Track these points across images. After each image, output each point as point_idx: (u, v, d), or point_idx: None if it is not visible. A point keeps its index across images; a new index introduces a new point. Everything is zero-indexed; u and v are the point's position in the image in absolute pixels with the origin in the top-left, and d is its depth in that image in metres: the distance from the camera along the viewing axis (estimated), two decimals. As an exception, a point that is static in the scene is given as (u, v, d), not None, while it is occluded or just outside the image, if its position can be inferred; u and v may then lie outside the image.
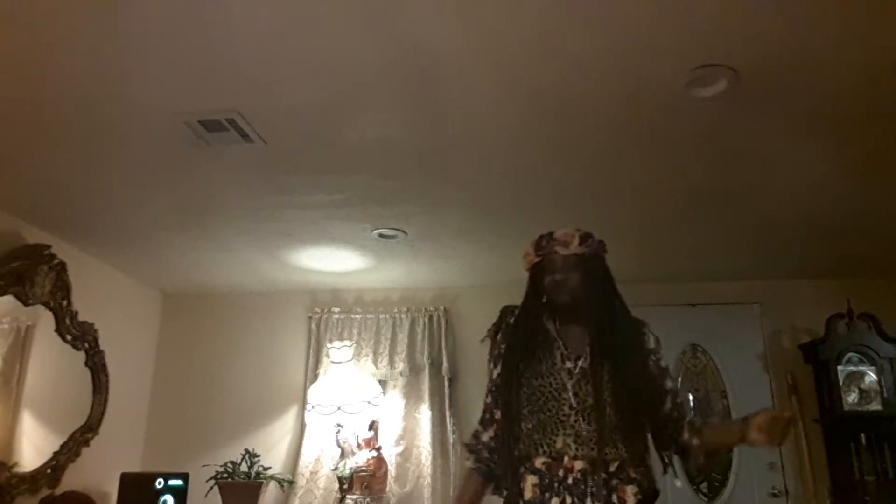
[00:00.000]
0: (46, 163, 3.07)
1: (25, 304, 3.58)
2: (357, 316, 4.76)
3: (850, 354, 4.15)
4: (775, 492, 4.21)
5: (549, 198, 3.40)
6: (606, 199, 3.42)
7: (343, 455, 4.22)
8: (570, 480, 1.85)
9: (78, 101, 2.59)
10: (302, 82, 2.47)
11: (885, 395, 4.07)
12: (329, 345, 4.54)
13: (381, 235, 3.88)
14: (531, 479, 1.91)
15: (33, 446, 3.69)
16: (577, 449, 1.87)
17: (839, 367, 4.13)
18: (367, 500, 4.02)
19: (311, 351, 4.72)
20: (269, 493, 4.35)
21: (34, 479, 3.63)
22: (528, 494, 1.89)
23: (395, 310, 4.73)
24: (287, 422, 4.66)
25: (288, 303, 4.87)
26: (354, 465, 4.11)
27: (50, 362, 3.81)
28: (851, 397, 4.10)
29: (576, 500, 1.83)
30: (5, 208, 3.54)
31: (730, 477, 4.33)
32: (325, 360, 4.61)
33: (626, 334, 2.01)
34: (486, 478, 2.05)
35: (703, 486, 4.34)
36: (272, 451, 4.54)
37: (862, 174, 3.16)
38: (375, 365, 4.63)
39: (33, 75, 2.43)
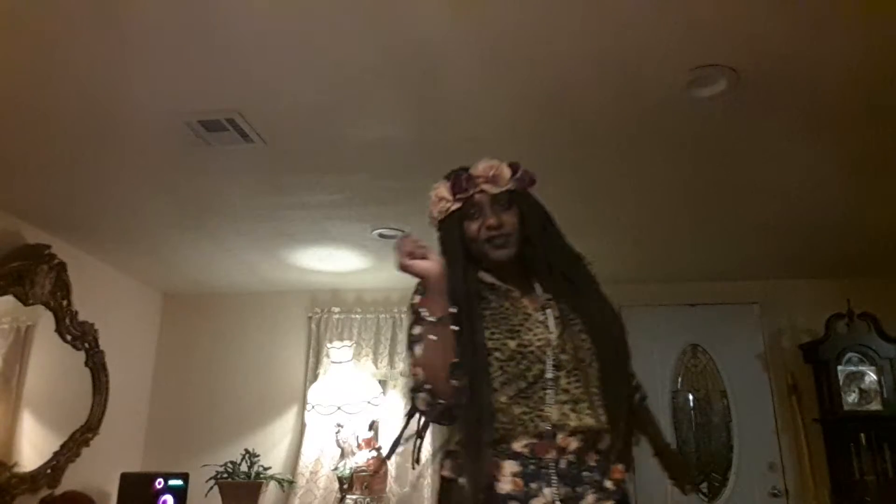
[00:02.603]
0: (46, 163, 3.07)
1: (25, 304, 3.58)
2: (357, 316, 4.76)
3: (850, 354, 4.16)
4: (775, 492, 4.21)
5: (548, 198, 3.37)
6: (606, 198, 3.42)
7: (343, 455, 4.21)
8: (562, 464, 1.43)
9: (78, 102, 2.59)
10: (302, 82, 2.47)
11: (885, 395, 4.07)
12: (329, 345, 4.54)
13: (381, 235, 3.88)
14: (509, 467, 1.44)
15: (33, 446, 3.69)
16: (577, 419, 1.45)
17: (839, 367, 4.13)
18: (367, 500, 4.02)
19: (311, 351, 4.72)
20: (269, 493, 4.35)
21: (34, 479, 3.63)
22: (505, 486, 1.43)
23: (395, 310, 4.73)
24: (287, 422, 4.66)
25: (288, 303, 4.87)
26: (354, 465, 4.11)
27: (50, 362, 3.80)
28: (851, 397, 4.10)
29: (569, 489, 1.42)
30: (5, 208, 3.53)
31: (730, 477, 4.34)
32: (325, 360, 4.61)
33: (579, 269, 1.63)
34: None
35: (703, 486, 4.34)
36: (272, 451, 4.54)
37: (862, 174, 3.16)
38: (375, 365, 4.63)
39: (34, 75, 2.43)
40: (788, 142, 2.85)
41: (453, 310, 1.50)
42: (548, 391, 1.47)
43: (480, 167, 1.65)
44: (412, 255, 1.53)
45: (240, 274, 4.57)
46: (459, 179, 1.65)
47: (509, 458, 1.44)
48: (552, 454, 1.44)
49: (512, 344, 1.50)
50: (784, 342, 4.49)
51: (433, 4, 2.08)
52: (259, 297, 4.90)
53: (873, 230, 3.80)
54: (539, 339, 1.51)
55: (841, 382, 4.11)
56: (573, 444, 1.44)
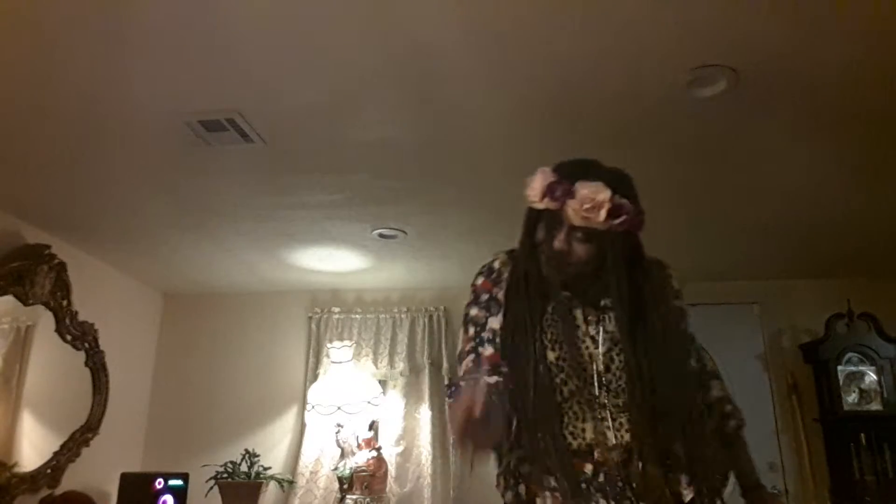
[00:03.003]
0: (46, 163, 3.07)
1: (25, 304, 3.58)
2: (357, 316, 4.76)
3: (850, 354, 4.16)
4: (775, 492, 4.20)
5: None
6: (606, 199, 3.42)
7: (343, 455, 4.22)
8: (601, 478, 1.40)
9: (78, 102, 2.59)
10: (302, 82, 2.47)
11: (885, 395, 4.08)
12: (329, 345, 4.54)
13: (381, 235, 3.88)
14: (547, 483, 1.43)
15: (33, 446, 3.69)
16: (614, 437, 1.41)
17: (839, 367, 4.13)
18: (367, 500, 4.02)
19: (311, 351, 4.72)
20: (269, 493, 4.34)
21: (34, 479, 3.63)
22: (549, 502, 1.41)
23: (395, 310, 4.73)
24: (287, 422, 4.66)
25: (288, 303, 4.86)
26: (354, 465, 4.11)
27: (50, 362, 3.80)
28: (851, 397, 4.11)
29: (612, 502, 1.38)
30: (5, 208, 3.53)
31: (730, 477, 4.32)
32: (325, 360, 4.61)
33: (653, 283, 1.54)
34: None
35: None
36: (272, 451, 4.54)
37: (862, 174, 3.16)
38: (375, 365, 4.63)
39: (34, 75, 2.43)
40: (788, 142, 2.85)
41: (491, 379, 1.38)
42: (583, 407, 1.43)
43: (583, 192, 1.43)
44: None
45: (240, 274, 4.57)
46: (556, 187, 1.46)
47: (549, 474, 1.41)
48: (588, 469, 1.40)
49: (552, 356, 1.46)
50: (784, 342, 4.49)
51: (433, 5, 2.08)
52: (259, 297, 4.90)
53: (873, 230, 3.80)
54: (581, 356, 1.45)
55: (841, 382, 4.11)
56: (614, 457, 1.39)
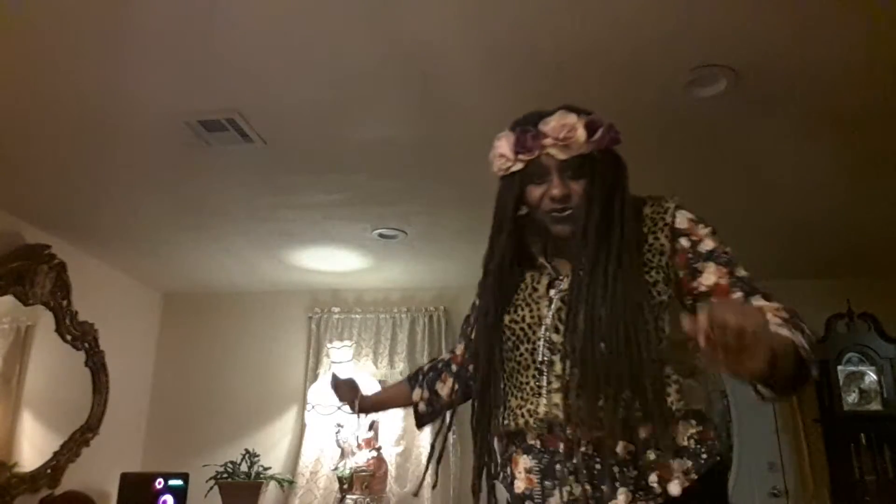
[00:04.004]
0: (46, 163, 3.07)
1: (25, 304, 3.58)
2: (357, 316, 4.76)
3: (850, 354, 4.15)
4: (775, 492, 4.21)
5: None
6: (606, 199, 3.42)
7: (343, 455, 4.21)
8: (576, 458, 1.23)
9: (78, 102, 2.59)
10: (302, 82, 2.47)
11: (885, 395, 4.07)
12: (329, 345, 4.54)
13: (381, 235, 3.88)
14: (523, 462, 1.30)
15: (33, 446, 3.69)
16: (574, 411, 1.23)
17: (839, 367, 4.13)
18: (367, 500, 4.02)
19: (311, 351, 4.72)
20: (269, 493, 4.35)
21: (34, 479, 3.63)
22: (521, 485, 1.29)
23: (395, 310, 4.73)
24: (287, 422, 4.66)
25: (288, 303, 4.86)
26: (354, 465, 4.11)
27: (50, 362, 3.80)
28: (851, 397, 4.10)
29: (590, 487, 1.21)
30: (5, 208, 3.54)
31: (730, 477, 4.34)
32: (325, 360, 4.61)
33: (617, 247, 1.32)
34: (410, 384, 1.74)
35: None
36: (272, 451, 4.54)
37: (862, 174, 3.16)
38: (375, 365, 4.63)
39: (34, 75, 2.43)
40: (788, 142, 2.85)
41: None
42: (534, 376, 1.30)
43: (552, 124, 1.36)
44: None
45: (240, 274, 4.57)
46: (525, 136, 1.38)
47: (524, 453, 1.30)
48: (561, 447, 1.25)
49: (506, 319, 1.37)
50: (784, 342, 4.49)
51: (433, 4, 2.08)
52: (259, 297, 4.90)
53: (874, 230, 3.80)
54: (531, 317, 1.34)
55: (841, 382, 4.11)
56: (588, 434, 1.22)
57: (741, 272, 1.31)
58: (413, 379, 1.76)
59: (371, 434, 4.31)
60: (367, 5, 2.08)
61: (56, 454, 3.80)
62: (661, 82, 2.42)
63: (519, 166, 1.39)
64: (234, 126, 2.71)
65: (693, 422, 1.25)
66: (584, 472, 1.22)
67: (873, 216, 3.61)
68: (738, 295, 1.25)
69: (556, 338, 1.29)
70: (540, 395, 1.28)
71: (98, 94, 2.54)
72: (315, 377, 4.59)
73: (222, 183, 3.28)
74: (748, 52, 2.26)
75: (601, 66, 2.34)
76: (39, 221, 3.69)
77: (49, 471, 3.73)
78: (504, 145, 1.42)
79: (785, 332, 1.13)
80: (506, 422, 1.33)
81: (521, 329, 1.34)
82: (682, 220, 1.37)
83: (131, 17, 2.12)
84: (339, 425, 4.23)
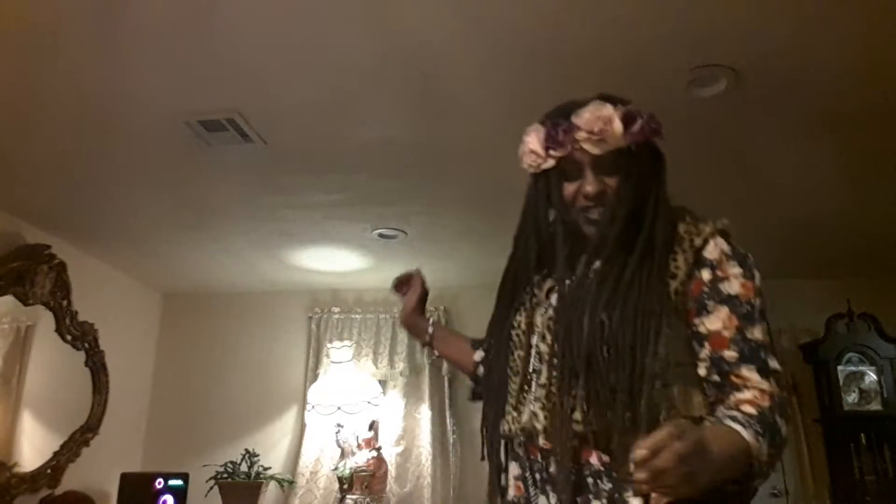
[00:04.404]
0: (46, 163, 3.07)
1: (25, 304, 3.57)
2: (357, 316, 4.76)
3: (850, 354, 4.15)
4: (775, 492, 4.21)
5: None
6: (606, 199, 3.42)
7: (343, 455, 4.21)
8: (552, 467, 1.20)
9: (78, 102, 2.59)
10: (302, 82, 2.47)
11: (885, 395, 4.07)
12: (329, 345, 4.54)
13: (381, 235, 3.88)
14: (513, 469, 1.28)
15: (33, 446, 3.69)
16: (549, 422, 1.19)
17: (839, 367, 4.12)
18: (367, 500, 4.02)
19: (311, 351, 4.72)
20: (269, 493, 4.35)
21: (34, 479, 3.63)
22: (511, 491, 1.28)
23: (395, 310, 4.70)
24: (287, 422, 4.66)
25: (288, 303, 4.86)
26: (354, 465, 4.11)
27: (50, 362, 3.80)
28: (851, 397, 4.10)
29: (569, 498, 1.16)
30: (5, 208, 3.53)
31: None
32: (325, 360, 4.61)
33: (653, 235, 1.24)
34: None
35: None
36: (272, 451, 4.54)
37: (862, 174, 3.16)
38: (375, 365, 4.63)
39: (33, 75, 2.43)
40: (788, 142, 2.85)
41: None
42: (522, 385, 1.25)
43: (586, 116, 1.24)
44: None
45: (240, 274, 4.57)
46: (556, 130, 1.26)
47: (514, 460, 1.28)
48: (539, 456, 1.22)
49: (505, 325, 1.33)
50: (784, 342, 4.48)
51: (433, 4, 2.08)
52: (259, 297, 4.90)
53: (873, 230, 3.80)
54: (526, 323, 1.29)
55: (841, 382, 4.11)
56: (563, 444, 1.17)
57: (756, 334, 1.16)
58: (477, 342, 1.59)
59: (371, 434, 4.32)
60: (368, 5, 2.08)
61: (56, 454, 3.80)
62: (661, 82, 2.42)
63: (551, 163, 1.29)
64: (234, 126, 2.71)
65: None
66: (560, 482, 1.17)
67: (873, 216, 3.61)
68: (732, 354, 1.14)
69: (544, 347, 1.24)
70: (525, 403, 1.24)
71: (98, 94, 2.54)
72: (315, 377, 4.59)
73: (222, 183, 3.28)
74: (748, 52, 2.26)
75: (601, 66, 2.34)
76: (39, 221, 3.69)
77: (49, 471, 3.73)
78: (534, 140, 1.31)
79: (746, 434, 1.05)
80: (505, 427, 1.30)
81: (517, 335, 1.29)
82: (713, 249, 1.24)
83: (131, 17, 2.12)
84: (339, 425, 4.23)
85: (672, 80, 2.40)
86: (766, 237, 3.90)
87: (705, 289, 1.19)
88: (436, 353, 1.66)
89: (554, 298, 1.29)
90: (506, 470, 1.30)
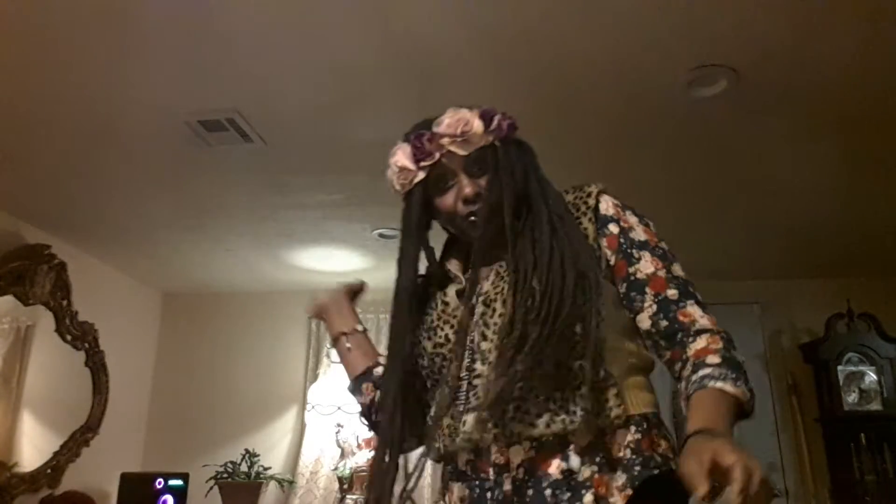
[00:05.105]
0: (46, 163, 3.07)
1: (25, 304, 3.58)
2: (357, 316, 4.75)
3: (850, 354, 4.15)
4: (775, 492, 4.21)
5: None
6: (606, 199, 3.42)
7: (343, 455, 4.22)
8: (507, 484, 1.09)
9: (78, 102, 2.59)
10: (302, 82, 2.47)
11: (885, 395, 4.07)
12: (329, 345, 4.54)
13: (381, 235, 3.88)
14: (457, 491, 1.17)
15: (33, 446, 3.69)
16: (498, 428, 1.09)
17: (839, 367, 4.13)
18: (367, 500, 4.02)
19: (311, 351, 4.72)
20: (269, 493, 4.35)
21: (34, 479, 3.63)
22: None
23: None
24: (287, 422, 4.66)
25: (288, 303, 4.86)
26: (354, 465, 4.11)
27: (50, 362, 3.80)
28: (851, 397, 4.10)
29: None
30: (5, 208, 3.54)
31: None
32: (325, 360, 4.61)
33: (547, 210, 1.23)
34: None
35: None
36: (272, 451, 4.54)
37: (862, 174, 3.16)
38: (375, 365, 4.62)
39: (34, 76, 2.43)
40: (788, 142, 2.85)
41: (344, 329, 1.51)
42: (463, 391, 1.15)
43: (446, 122, 1.28)
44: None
45: (240, 274, 4.57)
46: (421, 141, 1.29)
47: (457, 480, 1.17)
48: (490, 473, 1.11)
49: (429, 346, 1.24)
50: (784, 342, 4.49)
51: (433, 4, 2.08)
52: (259, 297, 4.90)
53: (873, 230, 3.80)
54: (453, 332, 1.20)
55: (841, 382, 4.11)
56: (518, 456, 1.09)
57: (677, 270, 1.21)
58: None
59: (371, 434, 4.32)
60: (367, 5, 2.08)
61: (56, 454, 3.80)
62: (661, 82, 2.42)
63: (422, 175, 1.28)
64: (234, 126, 2.71)
65: (633, 428, 1.10)
66: (516, 500, 1.08)
67: (873, 216, 3.61)
68: (672, 293, 1.17)
69: (485, 345, 1.15)
70: (468, 410, 1.13)
71: (98, 95, 2.54)
72: (315, 377, 4.59)
73: (222, 183, 3.28)
74: (748, 52, 2.26)
75: (602, 67, 2.34)
76: (39, 221, 3.69)
77: (49, 471, 3.73)
78: (401, 157, 1.32)
79: (729, 387, 1.08)
80: (437, 444, 1.18)
81: (449, 350, 1.20)
82: (606, 204, 1.25)
83: (131, 18, 2.12)
84: (339, 425, 4.23)
85: (672, 80, 2.40)
86: (767, 237, 3.90)
87: (621, 240, 1.21)
88: (348, 345, 1.54)
89: (475, 298, 1.21)
90: (445, 492, 1.21)
